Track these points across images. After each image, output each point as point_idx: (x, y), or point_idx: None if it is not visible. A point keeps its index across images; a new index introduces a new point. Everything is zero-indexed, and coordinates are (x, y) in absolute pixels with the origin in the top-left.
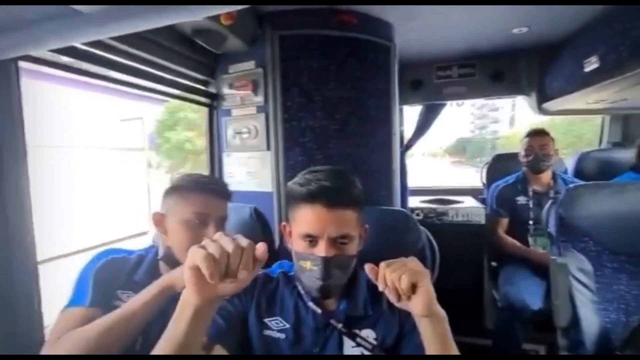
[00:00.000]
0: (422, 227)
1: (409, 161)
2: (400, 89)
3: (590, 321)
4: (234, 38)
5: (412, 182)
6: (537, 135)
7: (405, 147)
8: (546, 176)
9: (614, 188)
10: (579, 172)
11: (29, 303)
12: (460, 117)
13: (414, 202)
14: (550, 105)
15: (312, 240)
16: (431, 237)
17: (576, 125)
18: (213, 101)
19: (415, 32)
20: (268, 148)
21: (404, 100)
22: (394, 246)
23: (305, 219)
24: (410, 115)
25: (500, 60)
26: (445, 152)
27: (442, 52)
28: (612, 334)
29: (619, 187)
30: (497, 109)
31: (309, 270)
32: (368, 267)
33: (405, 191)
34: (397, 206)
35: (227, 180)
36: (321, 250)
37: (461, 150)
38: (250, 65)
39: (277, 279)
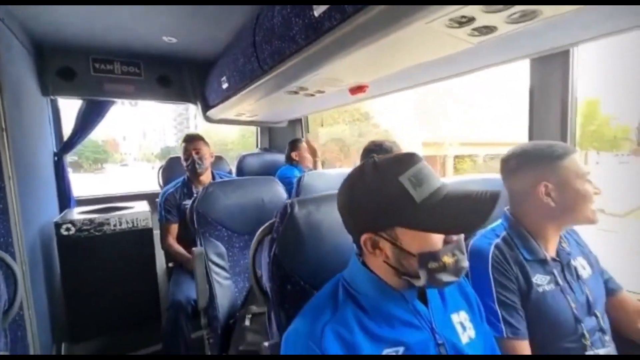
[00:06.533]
0: None
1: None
2: (45, 76)
3: (222, 296)
4: None
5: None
6: (193, 140)
7: (63, 148)
8: (206, 177)
9: (235, 184)
10: (240, 170)
11: None
12: (167, 129)
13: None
14: (211, 114)
15: None
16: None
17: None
18: None
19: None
20: None
21: (55, 91)
22: None
23: None
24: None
25: (166, 66)
26: (156, 157)
27: (97, 43)
28: (238, 300)
29: (237, 183)
30: (188, 118)
31: None
32: None
33: (67, 202)
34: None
35: None
36: None
37: (167, 155)
38: None
39: None
